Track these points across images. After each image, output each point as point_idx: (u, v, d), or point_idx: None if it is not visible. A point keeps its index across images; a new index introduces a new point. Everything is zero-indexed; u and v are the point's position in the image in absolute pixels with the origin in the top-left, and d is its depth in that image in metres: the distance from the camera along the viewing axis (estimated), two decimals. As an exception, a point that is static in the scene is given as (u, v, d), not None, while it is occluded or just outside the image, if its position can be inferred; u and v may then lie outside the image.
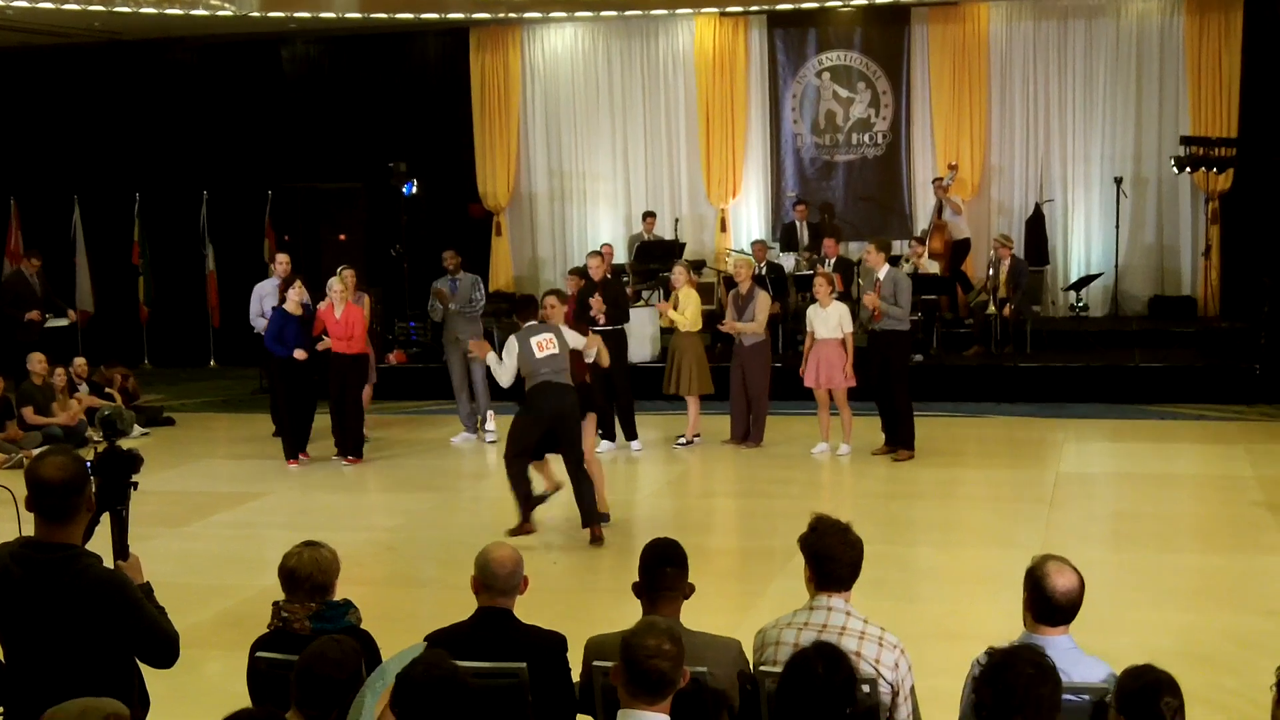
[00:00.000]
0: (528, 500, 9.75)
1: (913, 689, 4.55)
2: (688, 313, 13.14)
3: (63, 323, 16.56)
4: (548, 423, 9.68)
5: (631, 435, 13.42)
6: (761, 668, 4.59)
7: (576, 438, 9.83)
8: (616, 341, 13.25)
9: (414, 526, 10.83)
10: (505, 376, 9.75)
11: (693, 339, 13.21)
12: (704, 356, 13.33)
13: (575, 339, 9.96)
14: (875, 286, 12.32)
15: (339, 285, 12.91)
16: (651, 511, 11.27)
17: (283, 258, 14.08)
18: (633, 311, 15.51)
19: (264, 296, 13.96)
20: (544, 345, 9.64)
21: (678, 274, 13.35)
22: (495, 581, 4.84)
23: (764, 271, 16.31)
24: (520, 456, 9.72)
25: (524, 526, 9.67)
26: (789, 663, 3.88)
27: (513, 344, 9.69)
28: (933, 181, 17.94)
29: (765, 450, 13.00)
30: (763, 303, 12.95)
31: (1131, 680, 3.87)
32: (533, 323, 9.82)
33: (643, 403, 14.06)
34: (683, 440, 13.35)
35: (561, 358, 9.69)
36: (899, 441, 12.47)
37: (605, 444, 13.38)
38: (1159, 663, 3.92)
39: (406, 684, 3.76)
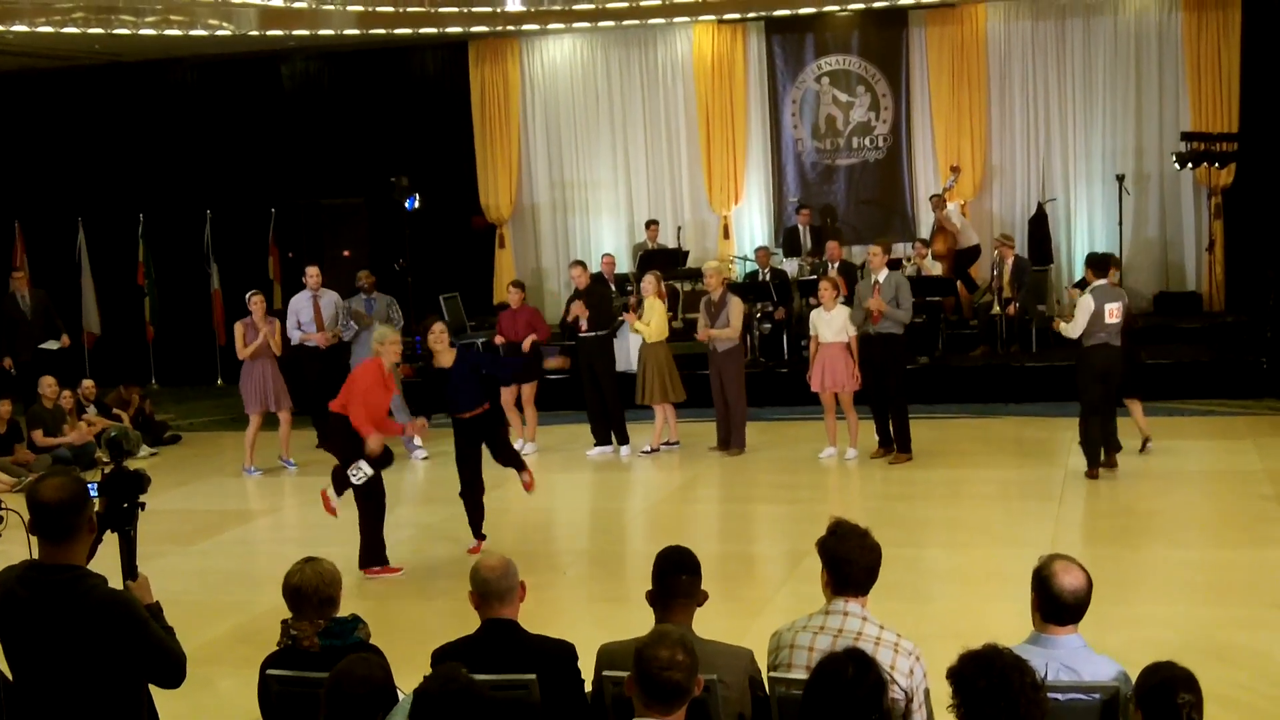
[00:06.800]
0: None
1: (927, 693, 4.55)
2: (652, 323, 13.13)
3: (53, 346, 15.81)
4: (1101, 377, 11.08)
5: (623, 440, 13.54)
6: (774, 673, 4.58)
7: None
8: (602, 348, 13.46)
9: (419, 540, 10.81)
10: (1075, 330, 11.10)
11: (657, 348, 13.20)
12: (671, 365, 13.28)
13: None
14: (874, 289, 12.32)
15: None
16: (657, 519, 11.30)
17: (312, 270, 14.08)
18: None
19: (299, 311, 13.98)
20: (1114, 313, 10.99)
21: (647, 283, 13.38)
22: (488, 587, 4.80)
23: (768, 277, 16.33)
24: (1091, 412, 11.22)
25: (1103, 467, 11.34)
26: (819, 665, 3.82)
27: (1089, 302, 11.01)
28: (930, 199, 17.75)
29: (771, 455, 12.99)
30: (735, 308, 12.93)
31: (1150, 676, 3.91)
32: (1102, 283, 11.20)
33: (643, 411, 14.10)
34: (647, 449, 13.36)
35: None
36: (895, 445, 12.48)
37: (599, 449, 13.48)
38: (1169, 658, 3.94)
39: (424, 700, 3.71)
